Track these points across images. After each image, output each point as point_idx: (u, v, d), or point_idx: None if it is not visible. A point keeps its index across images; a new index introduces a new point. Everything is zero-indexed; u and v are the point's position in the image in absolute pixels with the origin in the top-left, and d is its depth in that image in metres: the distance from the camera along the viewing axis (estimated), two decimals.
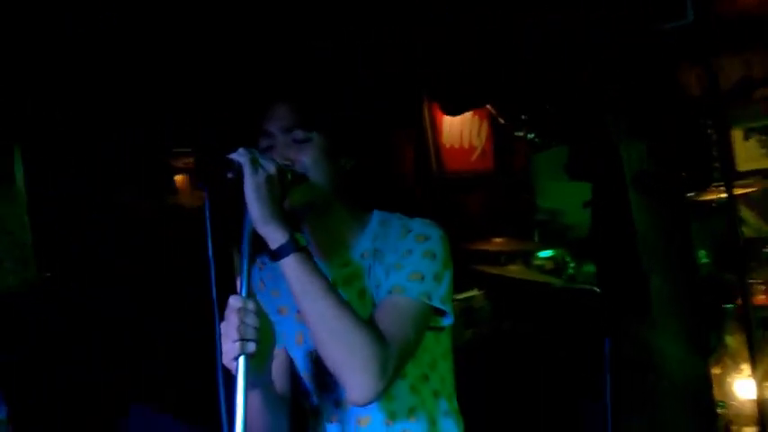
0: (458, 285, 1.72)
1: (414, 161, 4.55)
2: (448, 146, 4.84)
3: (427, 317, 1.56)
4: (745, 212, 4.69)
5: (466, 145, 5.03)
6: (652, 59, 3.03)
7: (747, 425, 3.13)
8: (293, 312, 1.64)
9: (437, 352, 1.66)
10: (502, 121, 4.92)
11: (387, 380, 1.43)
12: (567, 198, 4.18)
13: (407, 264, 1.55)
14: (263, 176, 1.40)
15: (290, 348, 1.68)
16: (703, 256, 4.20)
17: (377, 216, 1.68)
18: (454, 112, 4.47)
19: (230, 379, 1.35)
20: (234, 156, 1.41)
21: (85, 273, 3.25)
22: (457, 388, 1.74)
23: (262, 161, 1.42)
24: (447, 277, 1.58)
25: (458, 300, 3.96)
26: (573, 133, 3.42)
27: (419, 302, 1.53)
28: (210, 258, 1.33)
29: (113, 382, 3.14)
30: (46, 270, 3.18)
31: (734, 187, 4.91)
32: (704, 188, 3.66)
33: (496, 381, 3.93)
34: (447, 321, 1.62)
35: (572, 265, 4.69)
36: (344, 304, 1.45)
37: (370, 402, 1.46)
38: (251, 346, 1.35)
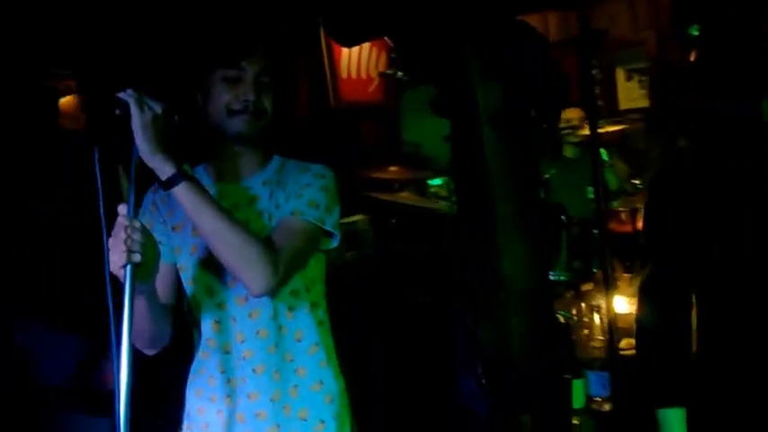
0: (343, 211, 2.03)
1: (308, 91, 4.69)
2: (345, 76, 4.99)
3: (317, 236, 1.91)
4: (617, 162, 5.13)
5: (364, 75, 5.20)
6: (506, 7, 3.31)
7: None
8: (188, 228, 1.93)
9: (315, 273, 1.99)
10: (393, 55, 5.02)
11: (278, 277, 1.76)
12: (429, 132, 4.48)
13: (306, 194, 1.89)
14: (149, 115, 1.63)
15: (187, 258, 1.95)
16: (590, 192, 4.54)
17: (277, 159, 2.00)
18: (348, 42, 4.54)
19: (118, 290, 1.59)
20: (121, 95, 1.63)
21: None
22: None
23: (149, 102, 1.64)
24: (336, 210, 1.94)
25: (343, 224, 4.24)
26: (438, 73, 3.69)
27: (312, 224, 1.87)
28: (99, 188, 1.58)
29: None
30: None
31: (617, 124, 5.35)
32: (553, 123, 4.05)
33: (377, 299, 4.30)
34: (334, 243, 1.96)
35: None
36: (233, 220, 1.75)
37: (266, 293, 1.79)
38: (137, 257, 1.60)
